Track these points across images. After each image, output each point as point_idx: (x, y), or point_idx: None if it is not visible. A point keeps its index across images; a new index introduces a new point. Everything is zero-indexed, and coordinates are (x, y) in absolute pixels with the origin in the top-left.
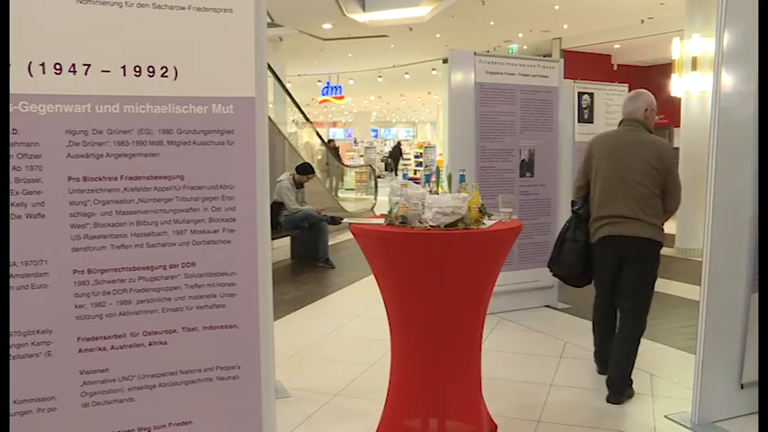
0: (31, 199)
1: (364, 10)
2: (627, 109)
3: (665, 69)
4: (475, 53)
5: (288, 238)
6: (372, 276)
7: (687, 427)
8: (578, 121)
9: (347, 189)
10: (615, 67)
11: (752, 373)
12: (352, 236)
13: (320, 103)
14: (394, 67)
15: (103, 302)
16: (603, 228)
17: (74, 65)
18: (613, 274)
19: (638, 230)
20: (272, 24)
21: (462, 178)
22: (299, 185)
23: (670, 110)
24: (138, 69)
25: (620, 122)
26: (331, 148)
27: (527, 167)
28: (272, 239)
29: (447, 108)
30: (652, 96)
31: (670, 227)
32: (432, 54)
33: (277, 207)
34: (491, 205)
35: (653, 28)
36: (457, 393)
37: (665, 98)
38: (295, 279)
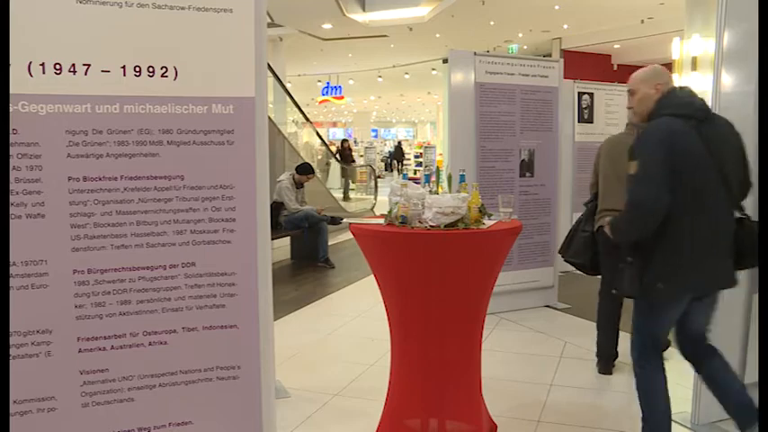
0: (31, 199)
1: (364, 10)
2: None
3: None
4: (475, 53)
5: (288, 238)
6: (372, 276)
7: (687, 427)
8: (578, 121)
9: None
10: (615, 67)
11: (753, 373)
12: (352, 236)
13: (320, 103)
14: (394, 67)
15: (103, 302)
16: (604, 219)
17: (74, 65)
18: (615, 264)
19: None
20: (272, 24)
21: (462, 178)
22: (298, 185)
23: None
24: (138, 69)
25: (627, 124)
26: (345, 148)
27: (527, 167)
28: (272, 239)
29: (447, 108)
30: None
31: None
32: (432, 54)
33: (277, 207)
34: (491, 205)
35: (653, 28)
36: (457, 393)
37: None
38: (295, 279)
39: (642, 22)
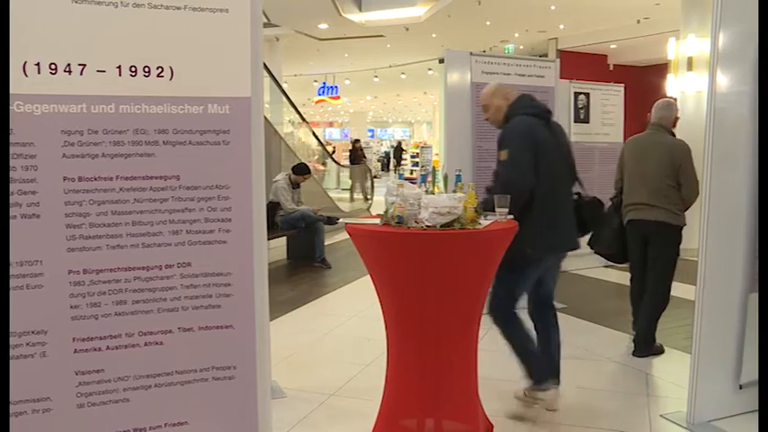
0: (27, 199)
1: (360, 10)
2: (659, 114)
3: (660, 70)
4: (471, 53)
5: (284, 239)
6: (368, 276)
7: (683, 427)
8: (574, 121)
9: (343, 189)
10: (611, 68)
11: (751, 373)
12: (348, 236)
13: (316, 103)
14: (390, 67)
15: (99, 303)
16: (629, 213)
17: (69, 65)
18: (641, 251)
19: (656, 215)
20: (268, 24)
21: (458, 178)
22: (295, 185)
23: None
24: (133, 69)
25: (649, 126)
26: (357, 149)
27: None
28: (269, 240)
29: (443, 108)
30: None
31: None
32: (428, 54)
33: (273, 207)
34: None
35: (649, 28)
36: (453, 393)
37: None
38: (291, 279)
39: (638, 22)
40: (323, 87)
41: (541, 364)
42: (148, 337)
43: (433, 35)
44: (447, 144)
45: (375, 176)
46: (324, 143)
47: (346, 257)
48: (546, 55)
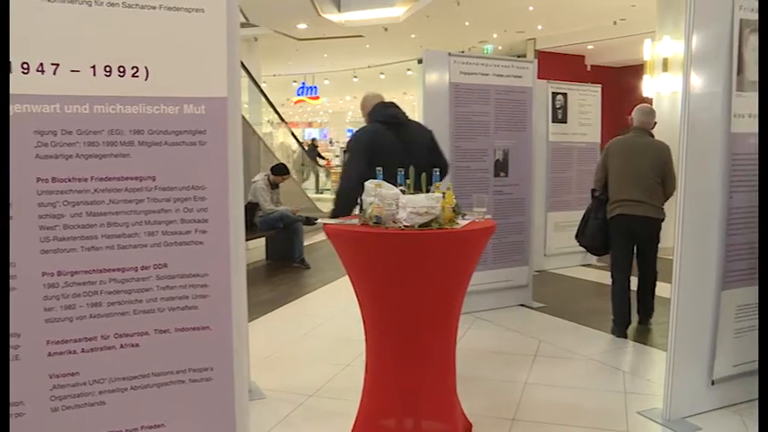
0: None
1: (339, 10)
2: (642, 119)
3: (637, 70)
4: (449, 53)
5: (263, 239)
6: (347, 277)
7: (659, 423)
8: (552, 121)
9: (325, 189)
10: (589, 68)
11: (723, 369)
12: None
13: (295, 103)
14: (369, 67)
15: (73, 305)
16: (618, 208)
17: (42, 64)
18: (627, 245)
19: (644, 211)
20: (246, 24)
21: (436, 178)
22: (274, 186)
23: None
24: (108, 69)
25: (631, 129)
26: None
27: (501, 167)
28: (247, 240)
29: (422, 108)
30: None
31: None
32: (407, 54)
33: (252, 208)
34: (465, 205)
35: (625, 29)
36: (432, 393)
37: (638, 99)
38: (270, 280)
39: (615, 23)
40: (302, 87)
41: None
42: (124, 339)
43: (412, 35)
44: None
45: None
46: (303, 144)
47: (325, 258)
48: (524, 55)
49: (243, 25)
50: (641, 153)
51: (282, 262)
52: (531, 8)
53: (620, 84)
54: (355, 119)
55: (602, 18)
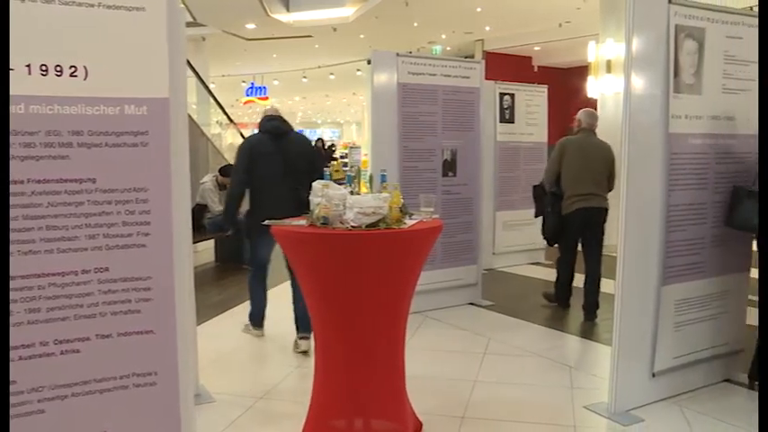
0: None
1: (288, 10)
2: (589, 121)
3: (582, 71)
4: (397, 54)
5: (212, 241)
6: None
7: (604, 417)
8: (500, 121)
9: None
10: (536, 69)
11: (663, 362)
12: None
13: (245, 103)
14: (319, 67)
15: (10, 311)
16: (577, 202)
17: None
18: (577, 238)
19: (598, 202)
20: (193, 24)
21: (383, 178)
22: (222, 187)
23: None
24: (44, 68)
25: (580, 130)
26: (320, 148)
27: (449, 167)
28: (195, 242)
29: (370, 109)
30: None
31: None
32: (356, 55)
33: (200, 209)
34: (414, 205)
35: (570, 32)
36: (382, 392)
37: (583, 99)
38: (220, 282)
39: (560, 25)
40: (251, 88)
41: (260, 309)
42: (64, 345)
43: (362, 36)
44: (374, 144)
45: None
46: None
47: (276, 259)
48: (473, 56)
49: (190, 25)
50: (593, 152)
51: (232, 264)
52: (478, 9)
53: (566, 84)
54: (305, 119)
55: (548, 20)
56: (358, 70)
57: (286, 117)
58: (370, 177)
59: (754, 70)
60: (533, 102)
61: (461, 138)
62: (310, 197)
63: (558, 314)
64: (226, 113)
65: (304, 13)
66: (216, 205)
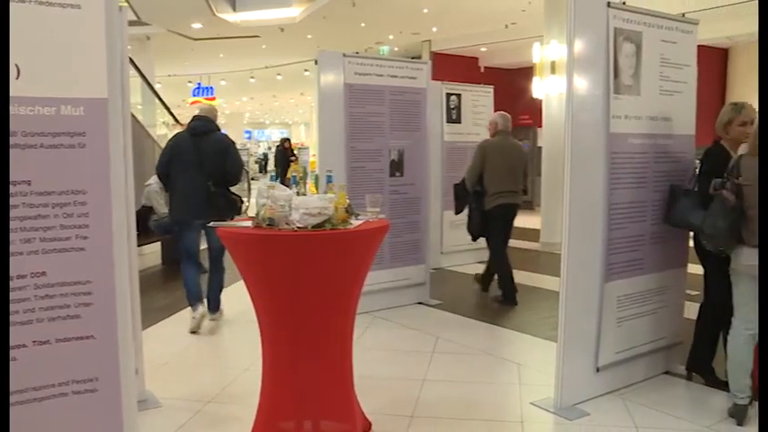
0: None
1: (235, 10)
2: (507, 124)
3: (527, 72)
4: (344, 54)
5: (158, 244)
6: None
7: (550, 412)
8: (447, 122)
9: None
10: (482, 70)
11: (607, 356)
12: None
13: (191, 104)
14: (266, 68)
15: None
16: (499, 199)
17: None
18: (504, 228)
19: (515, 198)
20: (137, 22)
21: (329, 179)
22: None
23: (533, 111)
24: None
25: (497, 132)
26: (287, 148)
27: (397, 167)
28: (141, 245)
29: (318, 109)
30: None
31: (535, 222)
32: (304, 55)
33: (146, 211)
34: (361, 205)
35: (516, 33)
36: (330, 393)
37: (529, 99)
38: (167, 285)
39: (506, 27)
40: (198, 88)
41: (192, 287)
42: None
43: (309, 36)
44: (321, 145)
45: (252, 178)
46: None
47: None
48: (420, 57)
49: (134, 23)
50: (510, 152)
51: (179, 266)
52: (425, 10)
53: (512, 85)
54: (253, 119)
55: (494, 22)
56: (306, 71)
57: (234, 118)
58: (316, 178)
59: (688, 73)
60: (480, 102)
61: (408, 138)
62: (255, 198)
63: (505, 312)
64: (172, 114)
65: (251, 13)
66: (162, 207)
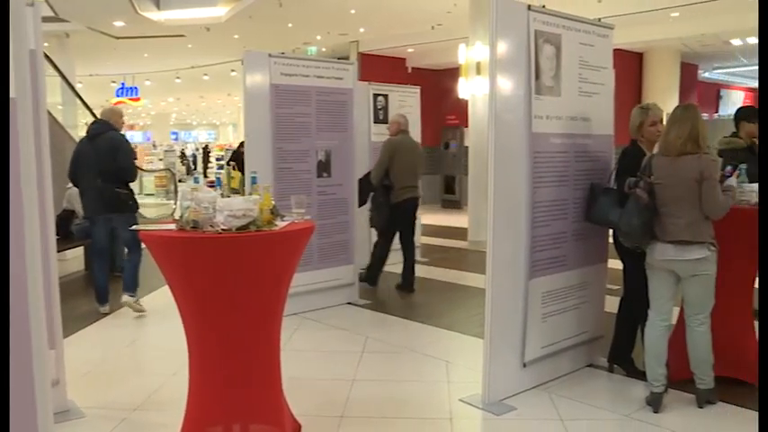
0: None
1: (159, 8)
2: (407, 124)
3: (454, 73)
4: (270, 54)
5: (81, 248)
6: None
7: (478, 408)
8: (374, 122)
9: (146, 194)
10: (410, 70)
11: (533, 351)
12: None
13: (115, 104)
14: (192, 68)
15: None
16: (406, 193)
17: None
18: (409, 221)
19: (419, 193)
20: (55, 18)
21: (254, 180)
22: None
23: (460, 111)
24: None
25: (400, 131)
26: (242, 153)
27: (324, 168)
28: (63, 250)
29: (244, 110)
30: None
31: (463, 221)
32: (230, 55)
33: (68, 216)
34: (287, 206)
35: (442, 34)
36: (258, 396)
37: (455, 100)
38: (90, 291)
39: (432, 28)
40: (122, 88)
41: (99, 287)
42: None
43: (236, 36)
44: (248, 146)
45: (180, 180)
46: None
47: (149, 265)
48: (348, 57)
49: (51, 20)
50: (412, 150)
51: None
52: (352, 11)
53: (439, 85)
54: (180, 120)
55: (421, 23)
56: (232, 71)
57: (160, 118)
58: (241, 180)
59: (605, 75)
60: (407, 102)
61: (335, 138)
62: (179, 200)
63: (434, 311)
64: (94, 115)
65: (175, 12)
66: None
